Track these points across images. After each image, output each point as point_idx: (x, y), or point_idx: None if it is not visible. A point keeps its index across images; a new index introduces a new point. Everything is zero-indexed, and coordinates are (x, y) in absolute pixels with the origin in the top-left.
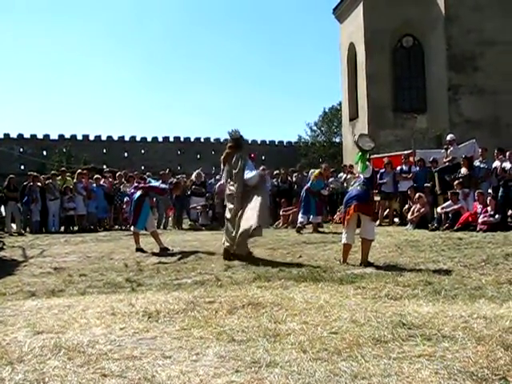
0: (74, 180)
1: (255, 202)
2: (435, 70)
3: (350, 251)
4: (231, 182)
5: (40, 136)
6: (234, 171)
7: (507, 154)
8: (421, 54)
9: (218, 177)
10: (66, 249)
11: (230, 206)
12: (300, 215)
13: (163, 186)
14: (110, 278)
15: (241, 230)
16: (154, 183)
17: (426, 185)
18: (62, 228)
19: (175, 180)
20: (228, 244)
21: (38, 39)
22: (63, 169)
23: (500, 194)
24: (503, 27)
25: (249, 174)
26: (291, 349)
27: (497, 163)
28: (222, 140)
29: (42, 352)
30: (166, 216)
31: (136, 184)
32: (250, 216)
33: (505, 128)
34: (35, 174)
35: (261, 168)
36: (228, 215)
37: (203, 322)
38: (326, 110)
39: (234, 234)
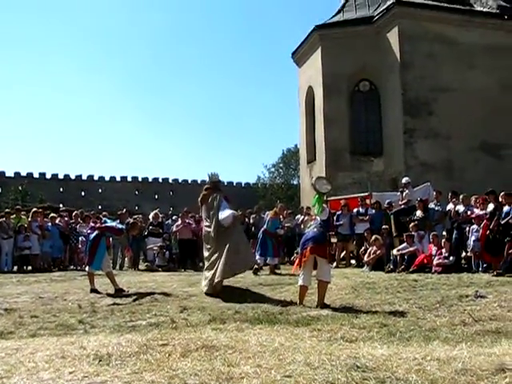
0: (29, 219)
1: (234, 245)
2: (391, 114)
3: (307, 293)
4: (207, 223)
5: None
6: (210, 212)
7: (460, 197)
8: (377, 99)
9: (174, 217)
10: (18, 289)
11: (207, 245)
12: (257, 257)
13: (120, 226)
14: (63, 319)
15: (219, 272)
16: (111, 223)
17: (384, 227)
18: (15, 267)
19: (132, 220)
20: (207, 287)
21: None
22: (18, 207)
23: (454, 236)
24: (454, 75)
25: (223, 215)
26: None
27: (450, 206)
28: (180, 181)
29: None
30: (123, 256)
31: (92, 224)
32: (229, 261)
33: (458, 171)
34: None
35: (234, 211)
36: (206, 254)
37: (155, 366)
38: (285, 152)
39: (211, 273)
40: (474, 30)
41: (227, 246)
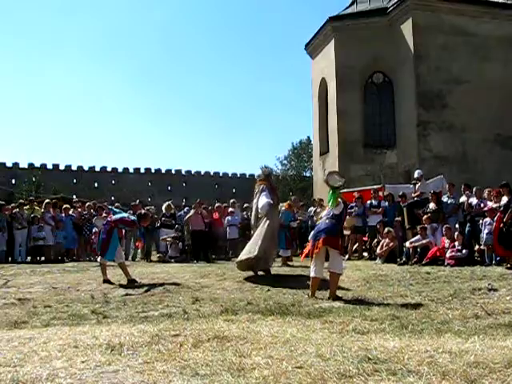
0: (42, 209)
1: (257, 233)
2: (405, 107)
3: (319, 285)
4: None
5: (9, 164)
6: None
7: (474, 189)
8: (391, 91)
9: (186, 209)
10: (31, 279)
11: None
12: None
13: (132, 217)
14: (76, 309)
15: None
16: (121, 214)
17: (396, 219)
18: (29, 258)
19: (143, 211)
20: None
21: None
22: (32, 198)
23: (467, 229)
24: (469, 67)
25: (260, 203)
26: (255, 383)
27: (464, 198)
28: (193, 172)
29: None
30: (135, 248)
31: (108, 219)
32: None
33: (472, 164)
34: (2, 202)
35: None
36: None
37: (167, 356)
38: (295, 145)
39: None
40: (489, 22)
41: (259, 241)
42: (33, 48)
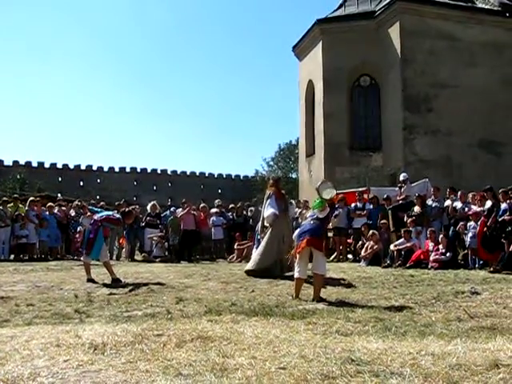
0: (26, 207)
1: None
2: (391, 110)
3: (303, 286)
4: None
5: None
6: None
7: (458, 193)
8: (377, 94)
9: (172, 209)
10: (14, 277)
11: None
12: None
13: (117, 215)
14: (59, 308)
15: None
16: (106, 213)
17: (382, 221)
18: (12, 256)
19: (127, 209)
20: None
21: None
22: (16, 195)
23: (451, 232)
24: (455, 71)
25: (266, 213)
26: (238, 383)
27: (448, 202)
28: (178, 172)
29: None
30: (120, 246)
31: (95, 218)
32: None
33: (456, 168)
34: None
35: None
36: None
37: (150, 355)
38: (282, 146)
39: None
40: (475, 27)
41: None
42: (27, 48)
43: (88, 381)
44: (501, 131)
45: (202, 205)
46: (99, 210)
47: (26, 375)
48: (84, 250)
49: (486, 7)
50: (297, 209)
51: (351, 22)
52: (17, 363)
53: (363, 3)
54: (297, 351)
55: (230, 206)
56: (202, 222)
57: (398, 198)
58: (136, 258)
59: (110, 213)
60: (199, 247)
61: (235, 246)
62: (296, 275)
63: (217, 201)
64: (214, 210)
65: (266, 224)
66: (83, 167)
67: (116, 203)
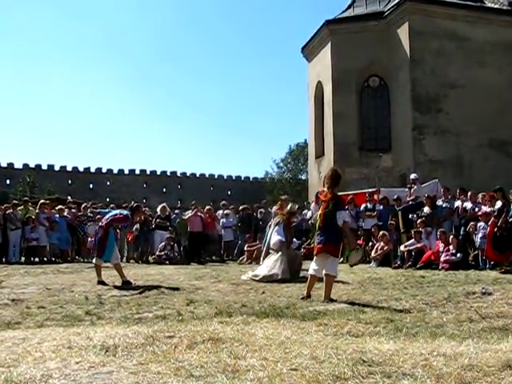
0: (37, 210)
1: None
2: (400, 110)
3: (314, 287)
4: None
5: (4, 164)
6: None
7: (469, 194)
8: (386, 94)
9: (177, 211)
10: (25, 280)
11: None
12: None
13: (125, 212)
14: (70, 310)
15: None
16: (113, 212)
17: (391, 222)
18: (23, 259)
19: (135, 204)
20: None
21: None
22: (26, 198)
23: (461, 233)
24: (464, 71)
25: (273, 239)
26: None
27: (458, 203)
28: (188, 174)
29: None
30: (126, 241)
31: (100, 224)
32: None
33: (467, 169)
34: None
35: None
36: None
37: (162, 357)
38: (292, 147)
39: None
40: (484, 27)
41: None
42: (30, 50)
43: (100, 382)
44: (511, 131)
45: (207, 207)
46: (108, 210)
47: (38, 377)
48: (95, 252)
49: (496, 7)
50: (306, 211)
51: (360, 23)
52: (29, 365)
53: (372, 4)
54: (308, 352)
55: (240, 207)
56: (209, 224)
57: (407, 199)
58: (146, 259)
59: (117, 211)
60: (208, 249)
61: (245, 248)
62: (310, 272)
63: (222, 202)
64: (226, 212)
65: (271, 249)
66: (93, 170)
67: (124, 204)
